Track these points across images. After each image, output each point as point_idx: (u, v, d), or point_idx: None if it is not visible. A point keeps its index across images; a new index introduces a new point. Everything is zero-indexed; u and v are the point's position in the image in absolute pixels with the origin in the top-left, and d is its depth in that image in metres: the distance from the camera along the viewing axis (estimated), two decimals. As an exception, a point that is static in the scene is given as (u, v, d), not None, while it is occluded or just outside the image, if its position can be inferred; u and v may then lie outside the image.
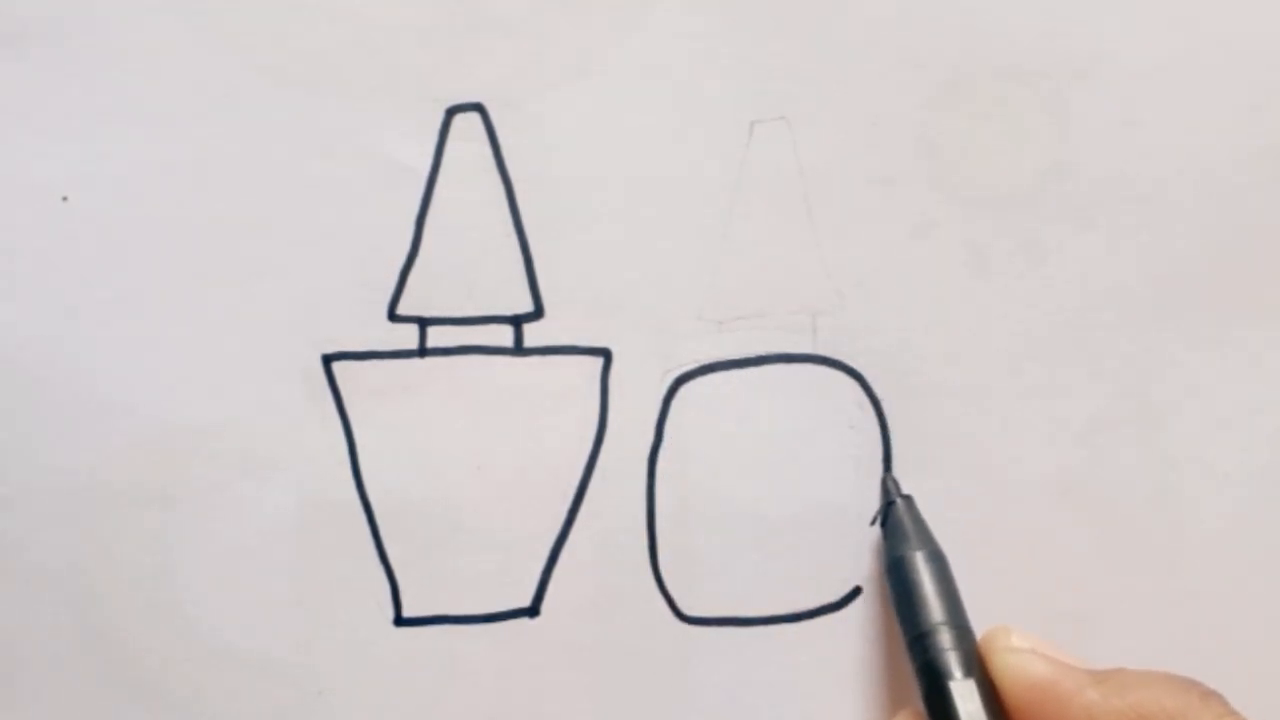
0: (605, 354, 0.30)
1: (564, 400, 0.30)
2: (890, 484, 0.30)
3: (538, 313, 0.30)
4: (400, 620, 0.30)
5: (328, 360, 0.30)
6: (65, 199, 0.30)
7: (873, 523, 0.30)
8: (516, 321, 0.30)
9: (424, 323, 0.30)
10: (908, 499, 0.29)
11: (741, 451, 0.30)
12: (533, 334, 0.30)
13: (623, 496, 0.30)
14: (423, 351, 0.30)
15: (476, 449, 0.30)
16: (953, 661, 0.26)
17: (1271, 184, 0.30)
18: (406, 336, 0.30)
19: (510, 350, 0.30)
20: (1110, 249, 0.30)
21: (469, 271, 0.30)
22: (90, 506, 0.30)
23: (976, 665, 0.26)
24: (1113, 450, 0.30)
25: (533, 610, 0.30)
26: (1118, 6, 0.30)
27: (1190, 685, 0.26)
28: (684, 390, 0.30)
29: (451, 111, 0.30)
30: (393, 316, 0.30)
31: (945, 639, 0.27)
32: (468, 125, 0.30)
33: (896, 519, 0.29)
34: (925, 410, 0.30)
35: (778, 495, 0.30)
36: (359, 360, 0.30)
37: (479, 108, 0.30)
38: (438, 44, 0.30)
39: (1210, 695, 0.25)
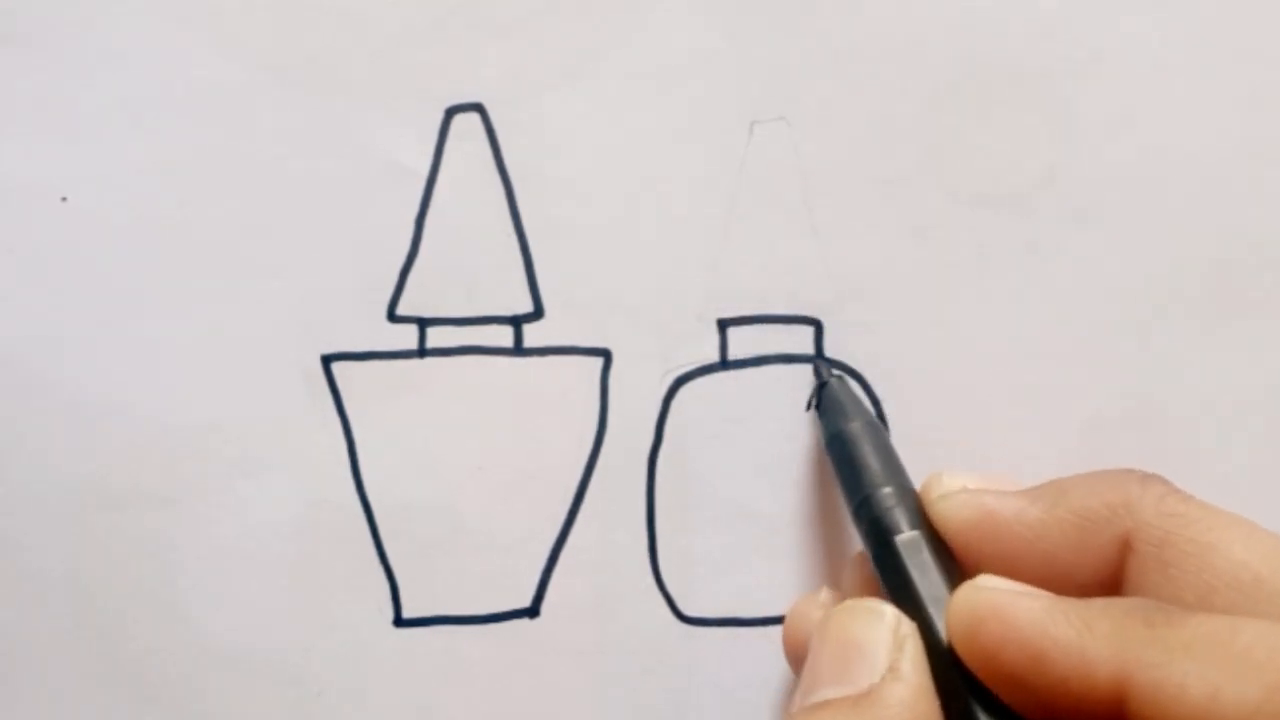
0: (605, 354, 0.30)
1: (564, 400, 0.30)
2: (820, 366, 0.30)
3: (538, 313, 0.30)
4: (400, 621, 0.30)
5: (328, 360, 0.30)
6: (65, 199, 0.30)
7: (807, 407, 0.30)
8: (516, 321, 0.30)
9: (424, 323, 0.30)
10: (839, 378, 0.29)
11: (741, 451, 0.30)
12: (533, 334, 0.30)
13: (623, 496, 0.30)
14: (423, 352, 0.30)
15: (476, 449, 0.30)
16: (898, 518, 0.26)
17: (1271, 184, 0.30)
18: (406, 337, 0.30)
19: (510, 350, 0.30)
20: (1110, 249, 0.30)
21: (469, 271, 0.30)
22: (90, 506, 0.30)
23: (922, 518, 0.26)
24: (1113, 450, 0.30)
25: (533, 610, 0.30)
26: (1118, 6, 0.30)
27: (1126, 473, 0.25)
28: (684, 390, 0.30)
29: (451, 111, 0.30)
30: (392, 317, 0.30)
31: (888, 498, 0.26)
32: (468, 125, 0.30)
33: (830, 397, 0.29)
34: (925, 410, 0.30)
35: (778, 495, 0.30)
36: (359, 360, 0.30)
37: (479, 108, 0.30)
38: (438, 44, 0.30)
39: (1149, 478, 0.25)
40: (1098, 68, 0.30)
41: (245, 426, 0.30)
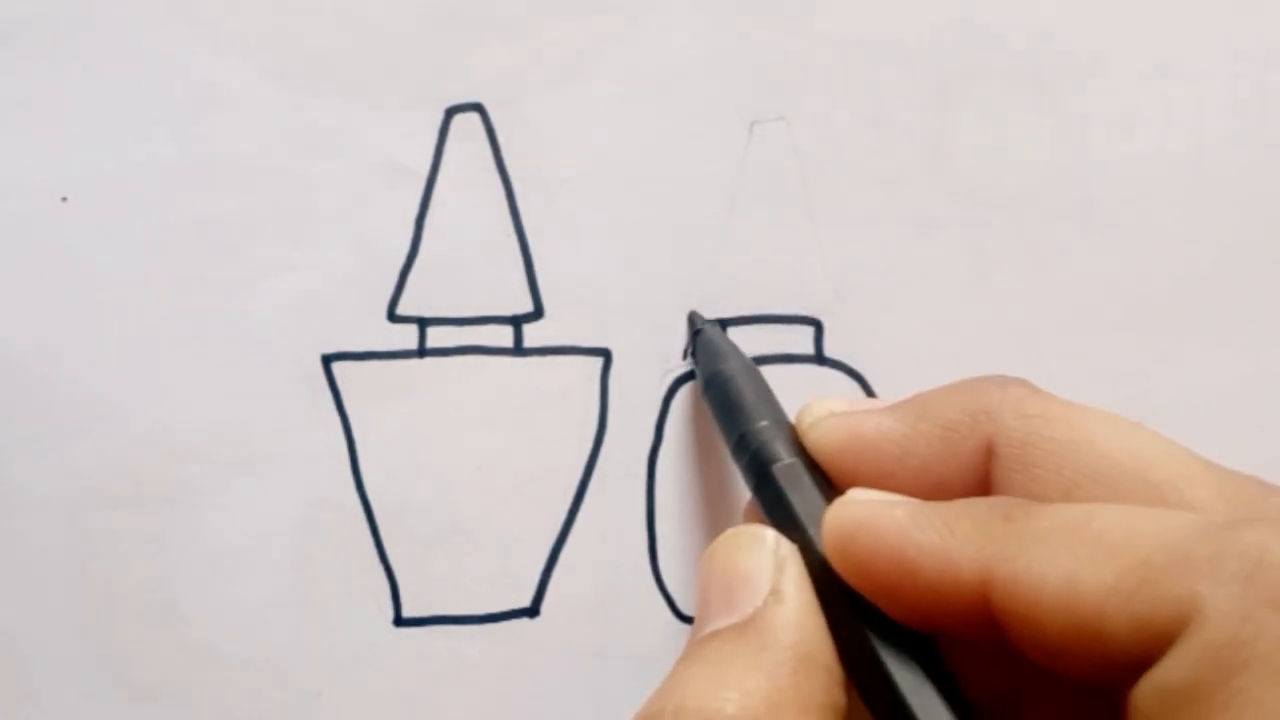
0: (605, 354, 0.30)
1: (564, 400, 0.30)
2: (694, 315, 0.30)
3: (538, 313, 0.30)
4: (400, 620, 0.30)
5: (328, 360, 0.30)
6: (65, 199, 0.30)
7: (684, 357, 0.30)
8: (516, 321, 0.30)
9: (424, 323, 0.30)
10: (713, 324, 0.29)
11: (741, 451, 0.30)
12: (533, 334, 0.30)
13: (623, 496, 0.30)
14: (423, 352, 0.30)
15: (476, 449, 0.30)
16: (776, 448, 0.26)
17: (1271, 184, 0.30)
18: (406, 336, 0.30)
19: (510, 350, 0.30)
20: (1110, 249, 0.30)
21: (469, 271, 0.30)
22: (90, 506, 0.30)
23: (799, 448, 0.26)
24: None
25: (533, 610, 0.30)
26: (1118, 6, 0.30)
27: (986, 379, 0.25)
28: (684, 390, 0.30)
29: (451, 111, 0.30)
30: (392, 316, 0.30)
31: (764, 431, 0.26)
32: (467, 125, 0.30)
33: (705, 343, 0.29)
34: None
35: (778, 495, 0.30)
36: (359, 360, 0.30)
37: (479, 108, 0.30)
38: (438, 44, 0.30)
39: (1009, 382, 0.25)
40: (1098, 68, 0.30)
41: (245, 426, 0.30)
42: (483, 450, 0.30)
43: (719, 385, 0.28)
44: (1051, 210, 0.30)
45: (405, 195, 0.30)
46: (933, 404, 0.25)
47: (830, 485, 0.25)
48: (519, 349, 0.30)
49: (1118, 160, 0.30)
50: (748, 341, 0.30)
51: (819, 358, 0.30)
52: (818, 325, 0.30)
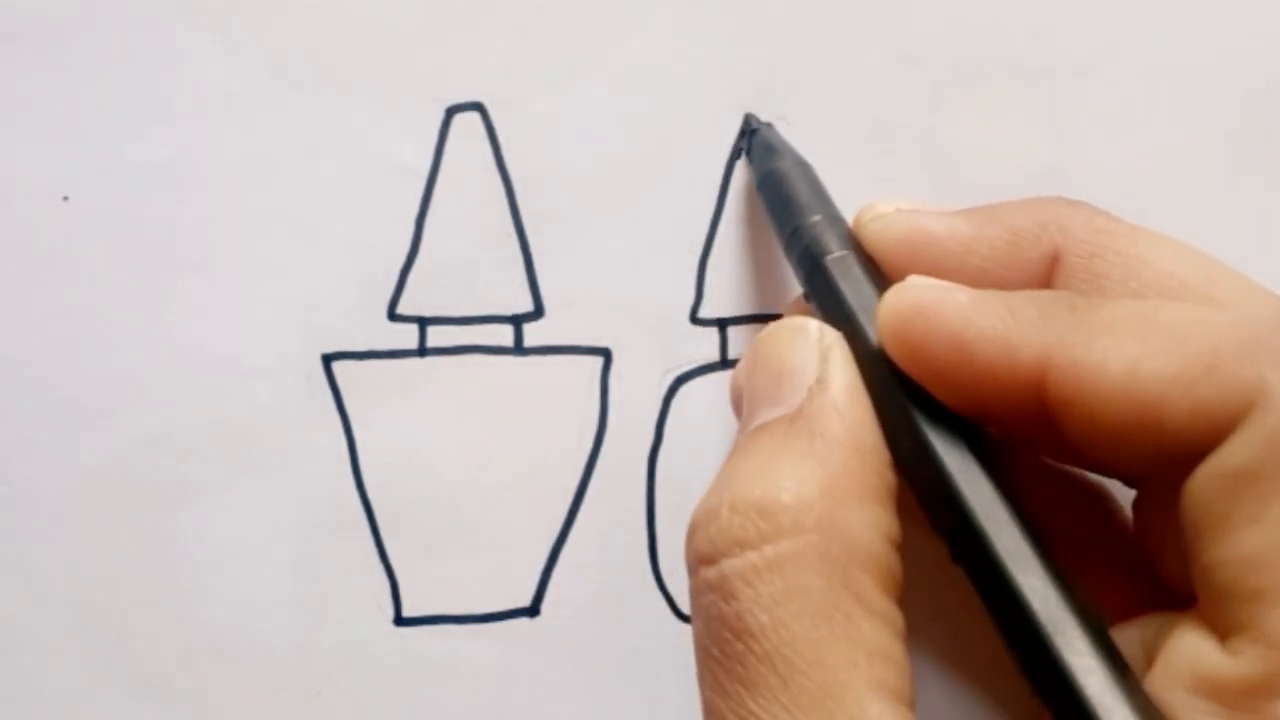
0: (605, 354, 0.30)
1: (564, 400, 0.30)
2: (750, 117, 0.30)
3: (538, 313, 0.30)
4: (400, 620, 0.30)
5: (328, 360, 0.30)
6: (65, 199, 0.30)
7: (737, 157, 0.29)
8: (516, 321, 0.30)
9: (424, 322, 0.30)
10: (768, 125, 0.29)
11: (741, 451, 0.30)
12: (533, 334, 0.30)
13: (623, 496, 0.30)
14: (423, 351, 0.30)
15: (476, 449, 0.30)
16: (829, 241, 0.26)
17: (1271, 184, 0.30)
18: (406, 336, 0.30)
19: (510, 350, 0.30)
20: (1110, 249, 0.30)
21: (469, 271, 0.30)
22: (90, 506, 0.30)
23: (853, 243, 0.26)
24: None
25: (533, 610, 0.30)
26: (1118, 6, 0.30)
27: (1056, 198, 0.25)
28: (684, 390, 0.30)
29: (451, 111, 0.30)
30: (393, 316, 0.30)
31: (818, 225, 0.26)
32: (468, 125, 0.30)
33: (760, 142, 0.29)
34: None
35: (778, 495, 0.30)
36: (359, 360, 0.30)
37: (479, 108, 0.30)
38: (438, 44, 0.30)
39: (1078, 202, 0.25)
40: (1098, 68, 0.30)
41: (245, 426, 0.30)
42: (483, 450, 0.30)
43: (773, 182, 0.27)
44: (1051, 210, 0.30)
45: (405, 195, 0.30)
46: (1001, 210, 0.25)
47: (884, 279, 0.25)
48: (519, 349, 0.30)
49: (1117, 160, 0.30)
50: (748, 341, 0.30)
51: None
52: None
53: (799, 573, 0.21)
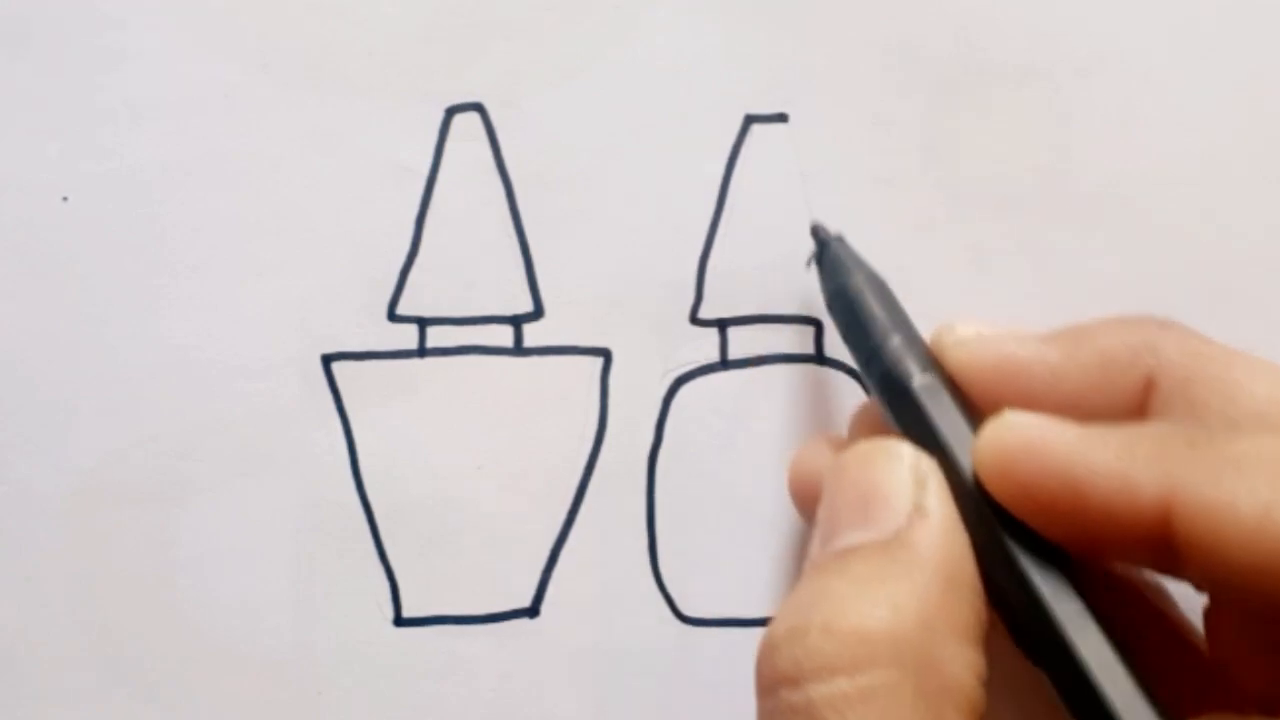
0: (605, 354, 0.30)
1: (564, 400, 0.30)
2: (819, 228, 0.29)
3: (538, 313, 0.30)
4: (400, 620, 0.30)
5: (327, 360, 0.30)
6: (65, 199, 0.30)
7: (808, 264, 0.29)
8: (516, 321, 0.30)
9: (424, 323, 0.30)
10: (839, 239, 0.28)
11: (741, 451, 0.30)
12: (533, 334, 0.30)
13: (623, 496, 0.30)
14: (423, 351, 0.30)
15: (476, 449, 0.30)
16: (911, 365, 0.25)
17: (1271, 184, 0.30)
18: (406, 336, 0.30)
19: (510, 350, 0.30)
20: (1110, 249, 0.30)
21: (469, 271, 0.30)
22: (90, 506, 0.30)
23: (933, 364, 0.25)
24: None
25: (533, 610, 0.30)
26: (1118, 6, 0.30)
27: (1145, 318, 0.25)
28: (684, 390, 0.30)
29: (451, 111, 0.30)
30: (393, 316, 0.30)
31: (899, 348, 0.25)
32: (468, 125, 0.30)
33: (831, 257, 0.28)
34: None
35: (778, 495, 0.30)
36: (359, 360, 0.30)
37: (479, 108, 0.30)
38: (438, 44, 0.30)
39: (1168, 322, 0.24)
40: (1098, 68, 0.30)
41: (245, 426, 0.30)
42: (483, 450, 0.30)
43: (847, 299, 0.27)
44: (1051, 210, 0.30)
45: (405, 195, 0.30)
46: (1090, 334, 0.25)
47: (970, 405, 0.24)
48: (519, 349, 0.30)
49: (1118, 160, 0.30)
50: (748, 341, 0.30)
51: (819, 358, 0.30)
52: (818, 325, 0.30)
53: (892, 706, 0.20)
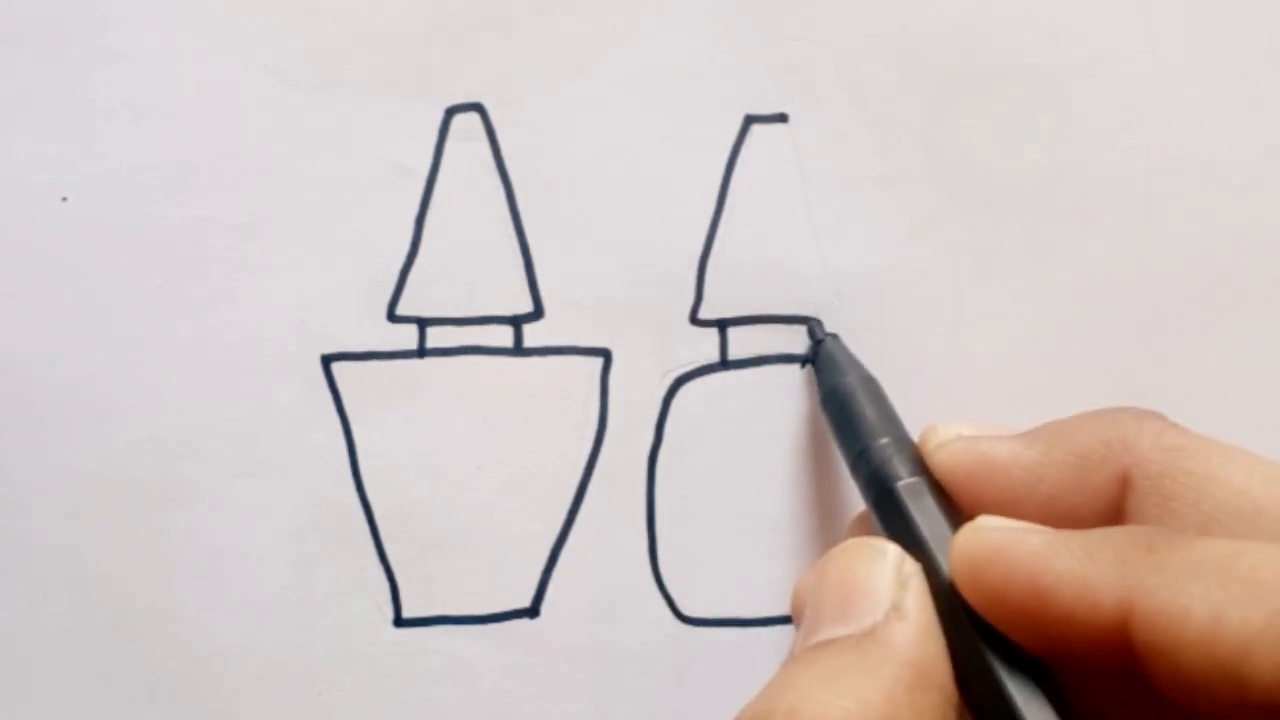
0: (605, 354, 0.30)
1: (564, 400, 0.30)
2: (814, 326, 0.30)
3: (538, 313, 0.30)
4: (400, 621, 0.30)
5: (327, 360, 0.30)
6: (65, 199, 0.30)
7: (802, 365, 0.30)
8: (516, 321, 0.30)
9: (424, 323, 0.30)
10: (834, 337, 0.29)
11: (741, 451, 0.30)
12: (533, 334, 0.30)
13: (623, 496, 0.30)
14: (422, 352, 0.30)
15: (476, 449, 0.30)
16: (897, 466, 0.25)
17: (1271, 184, 0.30)
18: (406, 337, 0.30)
19: (510, 350, 0.30)
20: (1110, 249, 0.30)
21: (469, 271, 0.30)
22: (90, 506, 0.30)
23: (921, 467, 0.26)
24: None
25: (533, 610, 0.30)
26: (1118, 6, 0.30)
27: (1122, 411, 0.25)
28: (684, 390, 0.30)
29: (451, 111, 0.30)
30: (392, 317, 0.30)
31: (886, 448, 0.26)
32: (467, 125, 0.30)
33: (825, 355, 0.29)
34: (925, 410, 0.30)
35: (778, 495, 0.30)
36: (359, 360, 0.30)
37: (479, 108, 0.30)
38: (438, 44, 0.30)
39: (1145, 414, 0.24)
40: (1098, 68, 0.30)
41: (245, 426, 0.30)
42: (483, 450, 0.30)
43: (838, 399, 0.28)
44: (1051, 210, 0.30)
45: (405, 195, 0.30)
46: (1066, 431, 0.25)
47: (954, 507, 0.25)
48: (519, 349, 0.30)
49: (1118, 160, 0.30)
50: (748, 341, 0.30)
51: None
52: (817, 325, 0.30)
53: None
